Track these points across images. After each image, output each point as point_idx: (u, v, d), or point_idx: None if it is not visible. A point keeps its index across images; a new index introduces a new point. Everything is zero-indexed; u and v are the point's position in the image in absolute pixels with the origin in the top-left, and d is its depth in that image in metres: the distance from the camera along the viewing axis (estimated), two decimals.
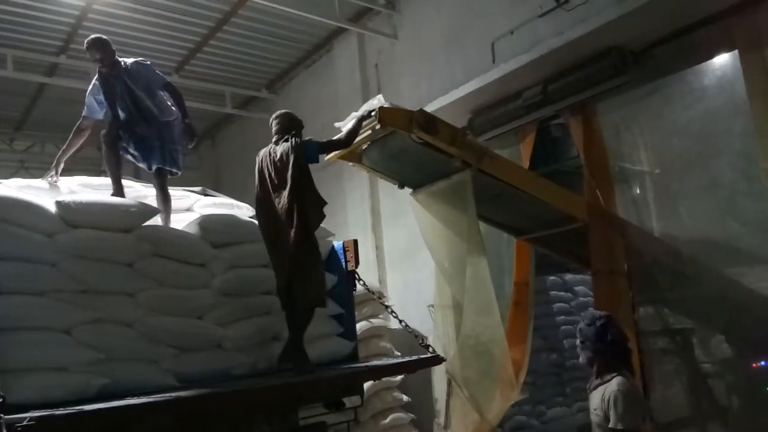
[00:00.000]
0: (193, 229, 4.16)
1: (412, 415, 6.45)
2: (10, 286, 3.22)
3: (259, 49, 8.47)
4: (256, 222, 4.27)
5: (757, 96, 4.58)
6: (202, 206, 4.76)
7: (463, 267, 4.81)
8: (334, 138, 4.36)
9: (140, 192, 4.45)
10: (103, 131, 4.25)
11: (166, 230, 4.09)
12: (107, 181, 4.32)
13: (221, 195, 5.09)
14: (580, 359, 3.54)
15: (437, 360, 4.61)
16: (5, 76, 7.60)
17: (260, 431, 3.69)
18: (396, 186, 5.29)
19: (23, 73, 7.86)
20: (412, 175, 5.13)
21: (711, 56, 5.07)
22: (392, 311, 5.03)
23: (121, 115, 4.28)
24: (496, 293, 4.87)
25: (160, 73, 4.46)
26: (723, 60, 5.04)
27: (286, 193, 3.98)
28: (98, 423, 2.78)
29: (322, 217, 4.11)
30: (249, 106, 10.06)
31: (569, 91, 5.50)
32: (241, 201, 4.96)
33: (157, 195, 4.33)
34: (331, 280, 4.59)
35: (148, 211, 3.93)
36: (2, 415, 2.56)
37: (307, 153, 4.08)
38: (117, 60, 4.30)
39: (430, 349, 4.74)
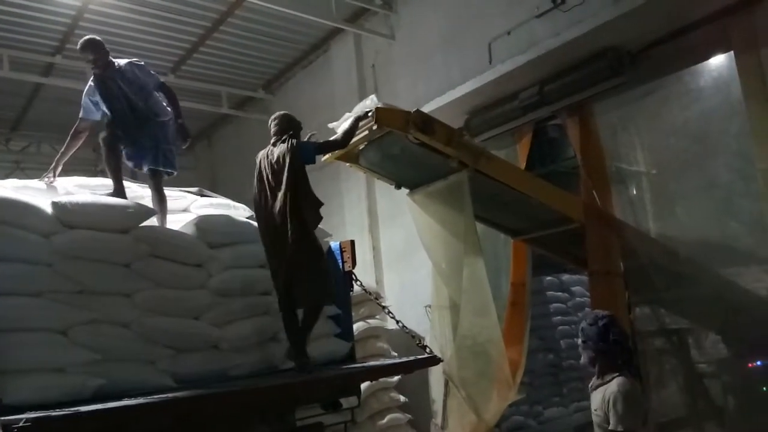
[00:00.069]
0: (190, 230, 4.16)
1: (409, 416, 6.45)
2: (6, 286, 3.22)
3: (256, 50, 8.46)
4: (254, 223, 4.27)
5: (753, 97, 4.59)
6: (199, 207, 4.76)
7: (460, 267, 4.81)
8: (331, 139, 4.36)
9: (137, 192, 4.44)
10: (103, 134, 4.24)
11: (162, 231, 4.08)
12: (104, 181, 4.31)
13: (218, 195, 5.09)
14: (582, 359, 3.53)
15: (434, 360, 4.62)
16: (1, 76, 7.57)
17: None
18: (393, 186, 5.29)
19: (19, 73, 7.83)
20: (409, 175, 5.13)
21: (707, 57, 5.08)
22: (389, 312, 5.03)
23: (117, 115, 4.27)
24: (493, 294, 4.87)
25: (154, 74, 4.44)
26: (719, 61, 5.06)
27: (282, 194, 4.00)
28: (95, 424, 2.77)
29: (320, 218, 4.13)
30: (245, 107, 10.05)
31: (566, 92, 5.51)
32: (237, 201, 4.96)
33: (152, 196, 4.33)
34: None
35: (144, 212, 3.92)
36: None
37: (304, 154, 4.09)
38: (111, 61, 4.29)
39: (427, 350, 4.75)
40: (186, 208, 4.75)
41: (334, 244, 4.83)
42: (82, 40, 4.25)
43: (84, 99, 4.38)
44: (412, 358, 4.88)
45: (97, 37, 4.29)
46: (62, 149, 4.39)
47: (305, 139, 4.35)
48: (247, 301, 4.24)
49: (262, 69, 9.06)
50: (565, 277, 8.25)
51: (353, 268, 4.73)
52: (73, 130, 4.40)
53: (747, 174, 4.81)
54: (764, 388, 5.00)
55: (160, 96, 4.42)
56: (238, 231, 4.39)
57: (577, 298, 8.24)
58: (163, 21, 7.49)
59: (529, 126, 5.99)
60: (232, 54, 8.49)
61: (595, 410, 3.38)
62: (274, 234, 4.04)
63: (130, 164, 4.38)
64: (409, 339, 4.92)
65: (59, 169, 4.27)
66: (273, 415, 3.77)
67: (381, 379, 5.99)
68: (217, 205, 4.82)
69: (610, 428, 3.24)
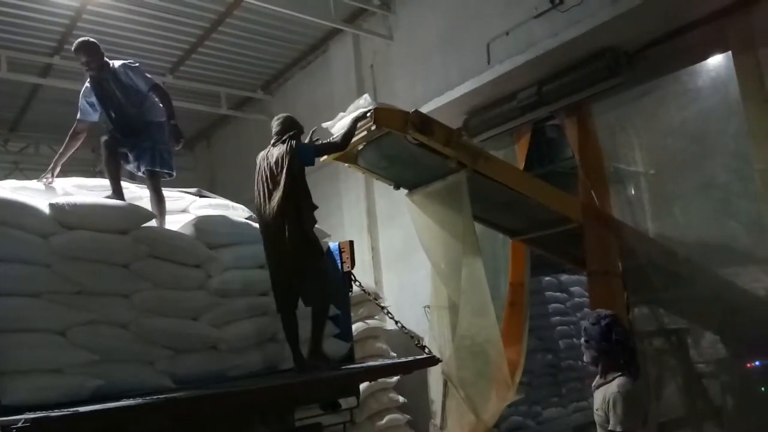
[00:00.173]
0: (189, 231, 4.15)
1: (408, 416, 6.45)
2: (5, 287, 3.21)
3: (254, 50, 8.45)
4: (253, 223, 4.27)
5: (750, 97, 4.60)
6: (198, 207, 4.75)
7: (459, 268, 4.81)
8: (330, 141, 4.37)
9: (135, 193, 4.43)
10: (104, 138, 4.23)
11: (161, 231, 4.07)
12: (102, 182, 4.30)
13: (217, 196, 5.08)
14: (584, 358, 3.53)
15: (433, 361, 4.62)
16: None
17: None
18: (392, 187, 5.29)
19: (17, 74, 7.82)
20: (407, 176, 5.14)
21: (705, 57, 5.10)
22: (388, 312, 5.03)
23: (113, 116, 4.27)
24: (491, 294, 4.87)
25: (149, 76, 4.40)
26: (716, 61, 5.07)
27: (281, 194, 4.01)
28: (93, 424, 2.77)
29: (314, 221, 4.15)
30: (244, 107, 10.04)
31: (564, 92, 5.52)
32: (236, 202, 4.96)
33: (151, 197, 4.32)
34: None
35: (142, 213, 3.92)
36: None
37: (303, 155, 4.11)
38: (105, 62, 4.28)
39: (426, 350, 4.75)
40: (185, 209, 4.74)
41: (333, 245, 4.83)
42: (75, 42, 4.24)
43: (81, 100, 4.37)
44: (411, 358, 4.88)
45: (91, 39, 4.27)
46: (60, 150, 4.39)
47: (307, 139, 4.36)
48: (246, 301, 4.23)
49: (261, 69, 9.06)
50: (564, 277, 8.26)
51: (352, 268, 4.72)
52: (71, 131, 4.40)
53: (745, 174, 4.83)
54: (762, 388, 5.01)
55: (154, 97, 4.40)
56: (237, 232, 4.39)
57: (576, 299, 8.24)
58: (161, 22, 7.49)
59: (527, 126, 6.00)
60: (230, 55, 8.49)
61: (597, 410, 3.38)
62: (273, 234, 4.06)
63: (129, 167, 4.38)
64: (408, 339, 4.93)
65: (58, 169, 4.26)
66: (272, 415, 3.76)
67: (380, 380, 5.99)
68: (216, 206, 4.81)
69: (609, 428, 3.25)
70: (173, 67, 8.58)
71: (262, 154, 4.25)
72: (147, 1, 7.00)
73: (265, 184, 4.12)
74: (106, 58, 4.30)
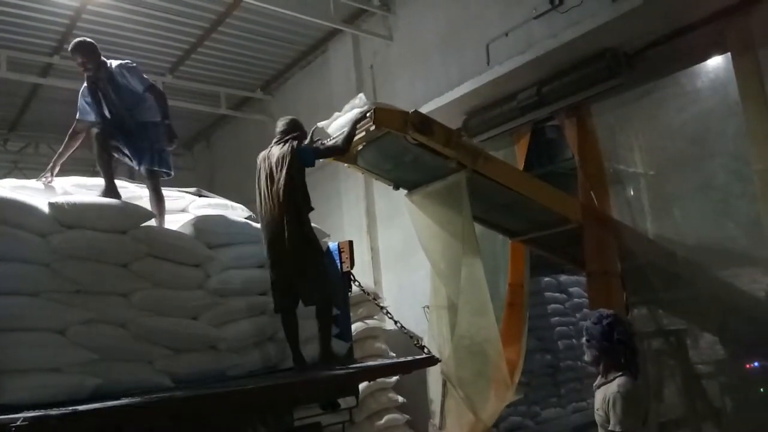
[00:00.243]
0: (188, 230, 4.15)
1: (408, 416, 6.45)
2: (4, 286, 3.21)
3: (254, 50, 8.46)
4: (252, 223, 4.27)
5: (749, 98, 4.61)
6: (197, 207, 4.75)
7: (458, 268, 4.81)
8: (331, 143, 4.38)
9: (134, 193, 4.43)
10: (95, 130, 4.23)
11: (160, 231, 4.07)
12: (101, 181, 4.30)
13: (216, 196, 5.08)
14: (586, 358, 3.53)
15: (432, 361, 4.62)
16: None
17: None
18: (391, 187, 5.30)
19: (17, 74, 7.81)
20: (407, 176, 5.14)
21: (704, 58, 5.11)
22: (387, 312, 5.03)
23: (111, 115, 4.27)
24: (491, 294, 4.88)
25: (145, 76, 4.39)
26: (716, 62, 5.08)
27: (281, 195, 4.03)
28: (92, 423, 2.76)
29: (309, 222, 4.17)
30: (244, 107, 10.05)
31: (564, 93, 5.52)
32: (236, 202, 4.96)
33: (150, 196, 4.32)
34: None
35: (142, 212, 3.92)
36: None
37: (303, 157, 4.13)
38: (102, 62, 4.27)
39: (425, 350, 4.75)
40: (184, 209, 4.74)
41: (333, 245, 4.83)
42: (72, 43, 4.23)
43: (80, 100, 4.37)
44: (410, 358, 4.88)
45: (87, 39, 4.25)
46: (60, 149, 4.39)
47: (308, 139, 4.37)
48: (245, 301, 4.23)
49: (261, 70, 9.06)
50: (563, 277, 8.27)
51: (351, 268, 4.73)
52: (70, 130, 4.41)
53: (744, 175, 4.83)
54: (761, 389, 5.01)
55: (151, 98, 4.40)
56: (237, 231, 4.39)
57: (575, 299, 8.26)
58: (161, 22, 7.49)
59: (527, 127, 6.00)
60: (230, 55, 8.49)
61: (597, 410, 3.39)
62: (273, 234, 4.07)
63: (134, 164, 4.38)
64: (407, 339, 4.93)
65: (57, 169, 4.26)
66: (271, 415, 3.77)
67: (379, 380, 5.99)
68: (215, 206, 4.81)
69: (609, 428, 3.25)
70: (173, 67, 8.59)
71: (262, 154, 4.26)
72: (147, 1, 7.00)
73: (266, 184, 4.13)
74: (103, 58, 4.30)
